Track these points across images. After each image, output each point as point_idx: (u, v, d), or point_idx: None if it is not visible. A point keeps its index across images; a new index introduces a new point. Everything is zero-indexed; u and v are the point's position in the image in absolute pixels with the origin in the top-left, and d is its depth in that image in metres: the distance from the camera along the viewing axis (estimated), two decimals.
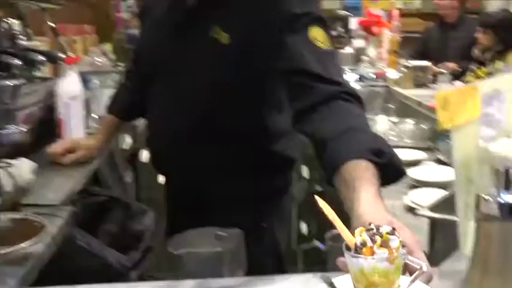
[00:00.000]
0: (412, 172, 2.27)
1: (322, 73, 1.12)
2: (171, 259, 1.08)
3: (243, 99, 1.26)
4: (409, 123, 2.86)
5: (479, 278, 0.84)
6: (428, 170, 2.30)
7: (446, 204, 1.63)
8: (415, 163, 2.45)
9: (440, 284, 0.92)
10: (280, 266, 1.41)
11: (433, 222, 1.44)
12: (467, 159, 1.01)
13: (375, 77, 3.24)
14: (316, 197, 0.78)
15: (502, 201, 0.82)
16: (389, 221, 0.82)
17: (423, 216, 1.46)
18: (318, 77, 1.12)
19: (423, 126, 2.81)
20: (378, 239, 0.70)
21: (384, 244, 0.70)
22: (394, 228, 0.72)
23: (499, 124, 1.08)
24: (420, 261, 0.72)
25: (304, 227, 2.74)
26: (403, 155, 2.57)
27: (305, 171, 2.60)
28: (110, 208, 1.60)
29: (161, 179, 1.52)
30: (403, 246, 0.71)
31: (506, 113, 1.11)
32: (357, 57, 3.53)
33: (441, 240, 1.43)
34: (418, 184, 2.14)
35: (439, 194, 1.83)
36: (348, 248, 0.73)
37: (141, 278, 1.46)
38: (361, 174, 0.93)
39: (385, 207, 0.89)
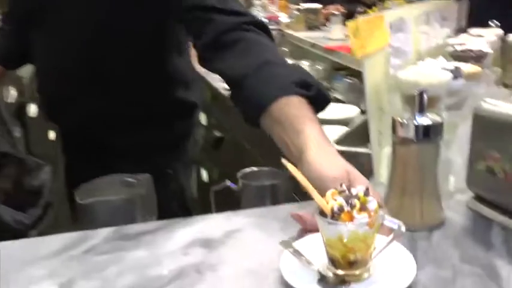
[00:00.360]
0: None
1: (217, 5, 1.07)
2: (80, 210, 1.00)
3: (137, 41, 1.19)
4: (304, 65, 2.88)
5: (398, 199, 0.85)
6: (328, 109, 2.33)
7: (350, 138, 1.66)
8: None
9: None
10: (187, 211, 1.39)
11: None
12: (378, 87, 1.02)
13: (267, 21, 3.22)
14: (284, 161, 0.73)
15: (417, 124, 0.82)
16: (347, 171, 0.80)
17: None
18: (214, 9, 1.07)
19: (318, 67, 2.85)
20: (355, 202, 0.67)
21: (363, 207, 0.67)
22: (367, 188, 0.69)
23: (406, 54, 1.10)
24: (396, 221, 0.69)
25: (204, 173, 2.72)
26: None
27: (202, 118, 2.56)
28: (1, 164, 1.47)
29: (52, 135, 1.43)
30: (380, 206, 0.68)
31: (411, 43, 1.12)
32: (249, 2, 3.48)
33: None
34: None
35: (341, 130, 1.87)
36: (322, 214, 0.69)
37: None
38: (297, 113, 0.90)
39: (334, 148, 0.87)
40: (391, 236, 0.69)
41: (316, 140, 0.86)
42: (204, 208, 1.17)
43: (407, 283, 0.66)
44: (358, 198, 0.67)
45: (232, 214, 0.93)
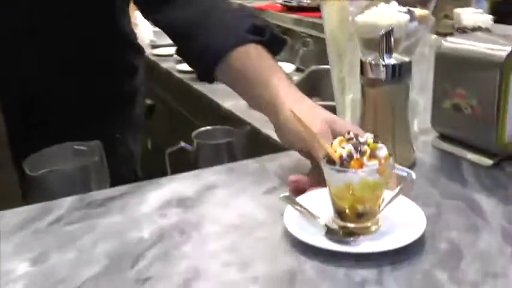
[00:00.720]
0: None
1: None
2: (30, 182, 0.93)
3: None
4: None
5: None
6: None
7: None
8: None
9: None
10: (137, 177, 1.34)
11: None
12: (337, 34, 1.00)
13: None
14: (291, 111, 0.69)
15: (387, 64, 0.81)
16: (332, 120, 0.78)
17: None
18: None
19: None
20: (365, 149, 0.64)
21: (372, 154, 0.64)
22: (376, 136, 0.66)
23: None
24: (407, 170, 0.66)
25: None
26: None
27: None
28: None
29: None
30: (390, 154, 0.65)
31: None
32: None
33: None
34: None
35: None
36: (330, 162, 0.65)
37: None
38: (259, 63, 0.87)
39: (308, 98, 0.85)
40: (401, 185, 0.66)
41: (288, 92, 0.84)
42: (154, 173, 1.12)
43: (417, 235, 0.64)
44: (368, 145, 0.64)
45: (201, 172, 0.89)
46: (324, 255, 0.63)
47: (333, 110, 1.37)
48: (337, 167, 0.64)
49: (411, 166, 0.87)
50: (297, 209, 0.70)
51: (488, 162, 0.86)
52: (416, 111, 0.98)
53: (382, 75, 0.82)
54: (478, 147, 0.88)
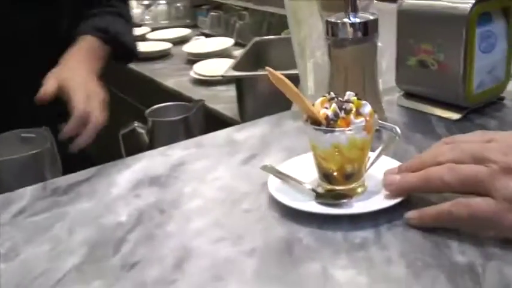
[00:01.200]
0: (187, 48, 2.21)
1: None
2: None
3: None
4: (161, 4, 2.75)
5: None
6: (201, 44, 2.26)
7: (243, 65, 1.61)
8: (184, 40, 2.39)
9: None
10: (89, 162, 1.27)
11: (240, 82, 1.41)
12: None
13: None
14: (268, 69, 0.64)
15: (354, 22, 0.79)
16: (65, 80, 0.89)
17: (231, 77, 1.42)
18: None
19: (178, 4, 2.73)
20: (351, 106, 0.61)
21: (358, 112, 0.61)
22: (357, 94, 0.64)
23: None
24: (392, 125, 0.64)
25: None
26: (169, 34, 2.49)
27: None
28: None
29: None
30: (374, 111, 0.63)
31: None
32: None
33: (250, 98, 1.42)
34: (196, 58, 2.10)
35: (223, 62, 1.81)
36: (314, 123, 0.62)
37: None
38: (80, 44, 1.10)
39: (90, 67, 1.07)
40: (386, 141, 0.65)
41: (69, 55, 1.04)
42: (109, 157, 1.06)
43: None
44: (352, 103, 0.62)
45: (167, 149, 0.85)
46: (318, 220, 0.61)
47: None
48: (324, 127, 0.61)
49: None
50: (280, 178, 0.67)
51: (457, 116, 0.86)
52: (379, 71, 0.97)
53: (351, 34, 0.80)
54: (445, 101, 0.88)
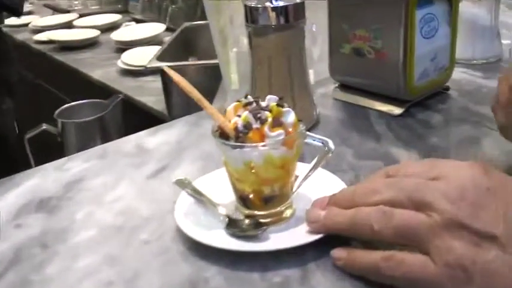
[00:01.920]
0: (115, 35, 2.06)
1: None
2: None
3: None
4: None
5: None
6: (130, 30, 2.11)
7: (170, 53, 1.48)
8: (114, 26, 2.23)
9: None
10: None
11: (165, 73, 1.28)
12: None
13: None
14: (166, 68, 0.53)
15: (276, 6, 0.68)
16: None
17: (157, 68, 1.29)
18: None
19: None
20: (266, 115, 0.49)
21: (277, 122, 0.49)
22: (281, 98, 0.52)
23: None
24: (323, 138, 0.53)
25: None
26: (97, 20, 2.33)
27: None
28: None
29: None
30: (299, 120, 0.51)
31: None
32: None
33: (177, 90, 1.29)
34: (125, 46, 1.96)
35: (153, 50, 1.68)
36: (223, 136, 0.50)
37: None
38: None
39: None
40: (317, 157, 0.53)
41: None
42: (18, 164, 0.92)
43: None
44: (270, 111, 0.50)
45: (66, 161, 0.72)
46: (230, 255, 0.49)
47: (212, 69, 1.24)
48: (232, 141, 0.50)
49: (315, 123, 0.75)
50: (192, 196, 0.56)
51: (397, 110, 0.76)
52: (311, 61, 0.87)
53: (273, 21, 0.68)
54: (385, 94, 0.78)
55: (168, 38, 1.77)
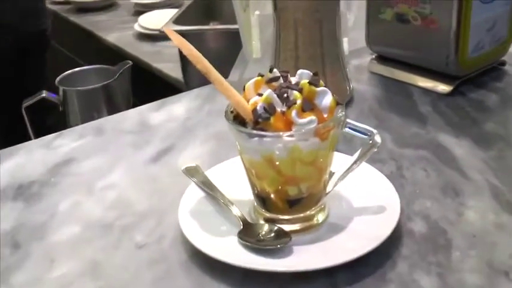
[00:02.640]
0: None
1: None
2: None
3: None
4: None
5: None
6: None
7: (188, 17, 1.36)
8: None
9: None
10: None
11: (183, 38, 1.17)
12: None
13: None
14: (166, 29, 0.45)
15: None
16: None
17: (173, 32, 1.18)
18: None
19: None
20: (295, 96, 0.38)
21: (308, 106, 0.38)
22: (316, 74, 0.41)
23: None
24: (368, 127, 0.41)
25: None
26: None
27: None
28: None
29: None
30: (338, 103, 0.40)
31: None
32: None
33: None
34: (144, 8, 1.85)
35: (172, 13, 1.56)
36: (238, 120, 0.40)
37: None
38: None
39: None
40: (359, 152, 0.42)
41: None
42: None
43: (386, 231, 0.40)
44: (300, 90, 0.39)
45: (56, 137, 0.62)
46: (242, 270, 0.39)
47: (235, 35, 1.12)
48: (249, 128, 0.39)
49: (349, 101, 0.64)
50: (202, 190, 0.46)
51: (446, 88, 0.65)
52: (345, 28, 0.75)
53: None
54: (431, 69, 0.66)
55: (187, 1, 1.65)
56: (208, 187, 0.46)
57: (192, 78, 1.20)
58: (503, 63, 0.70)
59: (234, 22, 1.39)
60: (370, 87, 0.69)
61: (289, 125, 0.38)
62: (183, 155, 0.56)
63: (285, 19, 0.60)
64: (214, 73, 0.40)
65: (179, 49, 1.18)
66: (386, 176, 0.47)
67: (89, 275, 0.41)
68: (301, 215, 0.42)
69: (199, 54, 0.39)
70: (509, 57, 0.70)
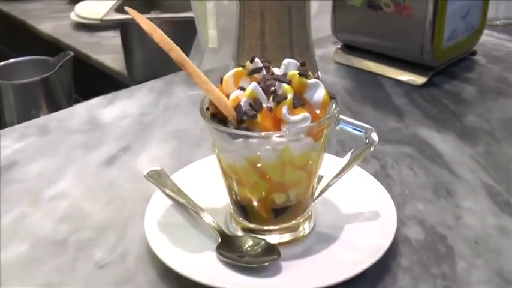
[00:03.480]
0: None
1: None
2: None
3: None
4: None
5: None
6: None
7: (131, 5, 1.28)
8: None
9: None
10: None
11: (125, 27, 1.09)
12: None
13: None
14: (128, 9, 0.37)
15: None
16: None
17: (113, 21, 1.10)
18: None
19: None
20: (285, 90, 0.33)
21: (299, 101, 0.33)
22: (303, 64, 0.36)
23: None
24: (364, 124, 0.37)
25: None
26: None
27: None
28: None
29: None
30: (332, 97, 0.35)
31: None
32: None
33: (139, 48, 1.11)
34: None
35: (111, 1, 1.47)
36: (218, 118, 0.34)
37: None
38: None
39: None
40: (352, 152, 0.38)
41: None
42: None
43: (385, 241, 0.35)
44: (289, 83, 0.34)
45: None
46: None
47: (181, 24, 1.05)
48: (232, 128, 0.34)
49: None
50: (171, 198, 0.40)
51: (419, 79, 0.61)
52: None
53: None
54: (404, 59, 0.62)
55: None
56: (176, 194, 0.40)
57: (137, 71, 1.13)
58: (474, 53, 0.67)
59: (177, 11, 1.33)
60: (339, 79, 0.64)
61: (277, 123, 0.33)
62: (141, 157, 0.50)
63: (250, 5, 0.55)
64: (190, 64, 0.34)
65: (122, 39, 1.10)
66: (371, 174, 0.43)
67: None
68: (287, 224, 0.37)
69: (172, 42, 0.33)
70: (479, 47, 0.67)
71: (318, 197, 0.38)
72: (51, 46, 1.45)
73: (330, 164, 0.39)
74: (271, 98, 0.33)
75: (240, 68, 0.35)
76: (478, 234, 0.39)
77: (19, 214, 0.43)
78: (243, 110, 0.33)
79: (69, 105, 0.87)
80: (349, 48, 0.68)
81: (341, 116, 0.36)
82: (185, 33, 0.96)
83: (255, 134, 0.33)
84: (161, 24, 1.16)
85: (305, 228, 0.38)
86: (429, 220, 0.40)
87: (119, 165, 0.49)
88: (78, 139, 0.53)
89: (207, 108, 0.35)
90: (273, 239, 0.37)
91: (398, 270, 0.36)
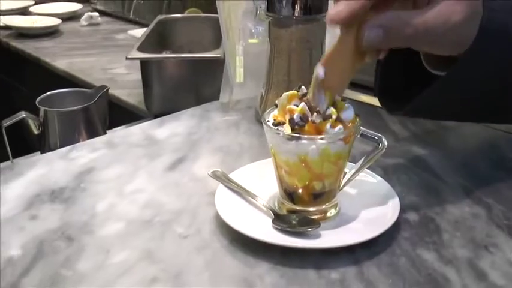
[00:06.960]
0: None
1: None
2: None
3: None
4: None
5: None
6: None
7: (146, 46, 1.43)
8: (73, 16, 2.16)
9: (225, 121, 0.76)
10: None
11: (145, 65, 1.23)
12: None
13: None
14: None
15: None
16: None
17: (138, 59, 1.24)
18: None
19: None
20: (332, 112, 0.47)
21: (339, 118, 0.47)
22: (344, 99, 0.50)
23: None
24: (377, 133, 0.51)
25: None
26: (55, 9, 2.24)
27: None
28: None
29: None
30: (357, 114, 0.50)
31: None
32: None
33: (157, 84, 1.24)
34: None
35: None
36: (276, 122, 0.49)
37: None
38: None
39: None
40: (367, 155, 0.52)
41: None
42: None
43: (389, 222, 0.49)
44: (333, 105, 0.48)
45: (69, 150, 0.68)
46: (278, 251, 0.47)
47: (188, 63, 1.20)
48: (289, 132, 0.48)
49: None
50: (232, 190, 0.54)
51: None
52: None
53: (297, 11, 0.67)
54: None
55: (139, 31, 1.72)
56: (236, 186, 0.54)
57: (155, 104, 1.26)
58: None
59: (186, 51, 1.48)
60: None
61: (318, 131, 0.47)
62: (197, 164, 0.63)
63: (280, 47, 0.69)
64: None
65: (142, 75, 1.23)
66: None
67: (147, 260, 0.47)
68: (323, 206, 0.51)
69: None
70: None
71: (343, 187, 0.52)
72: (66, 81, 1.58)
73: (348, 164, 0.53)
74: (314, 115, 0.47)
75: (294, 92, 0.50)
76: (457, 217, 0.53)
77: (109, 203, 0.56)
78: (295, 121, 0.47)
79: (104, 131, 1.00)
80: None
81: (362, 128, 0.51)
82: (200, 70, 1.12)
83: (305, 136, 0.47)
84: (177, 62, 1.30)
85: (332, 212, 0.52)
86: (422, 208, 0.54)
87: (180, 170, 0.62)
88: (141, 151, 0.67)
89: (274, 120, 0.49)
90: (311, 217, 0.50)
91: (402, 240, 0.49)
